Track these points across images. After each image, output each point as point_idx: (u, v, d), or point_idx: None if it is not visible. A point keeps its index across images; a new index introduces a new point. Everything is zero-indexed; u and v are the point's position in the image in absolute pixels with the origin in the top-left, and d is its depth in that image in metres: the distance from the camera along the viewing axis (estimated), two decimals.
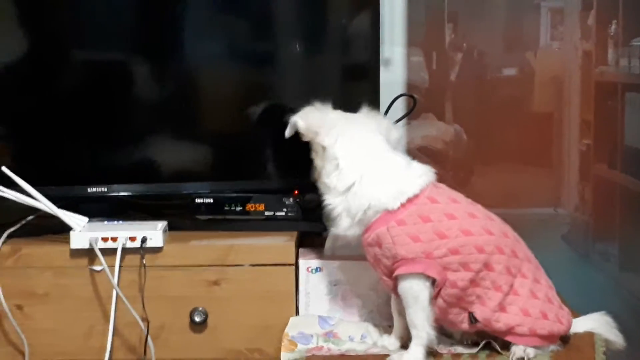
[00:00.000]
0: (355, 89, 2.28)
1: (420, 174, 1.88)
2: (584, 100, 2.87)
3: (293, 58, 2.28)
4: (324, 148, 1.88)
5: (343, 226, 1.89)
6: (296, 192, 2.22)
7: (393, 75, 2.68)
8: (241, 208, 2.21)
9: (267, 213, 2.24)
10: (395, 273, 1.85)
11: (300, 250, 2.18)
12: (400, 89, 2.67)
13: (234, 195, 2.22)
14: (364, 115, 1.95)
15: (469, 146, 2.79)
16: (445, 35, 2.85)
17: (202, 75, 2.31)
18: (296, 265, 2.12)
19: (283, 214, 2.23)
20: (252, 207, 2.22)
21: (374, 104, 2.13)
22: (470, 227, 1.84)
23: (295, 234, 2.20)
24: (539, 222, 2.82)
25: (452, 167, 2.78)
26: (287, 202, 2.22)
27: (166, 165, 2.28)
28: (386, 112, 2.31)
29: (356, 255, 2.05)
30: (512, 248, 1.88)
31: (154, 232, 2.08)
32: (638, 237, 2.77)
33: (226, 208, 2.22)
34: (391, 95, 2.37)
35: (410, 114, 2.37)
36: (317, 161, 1.91)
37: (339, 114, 1.92)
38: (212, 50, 2.27)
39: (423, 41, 2.82)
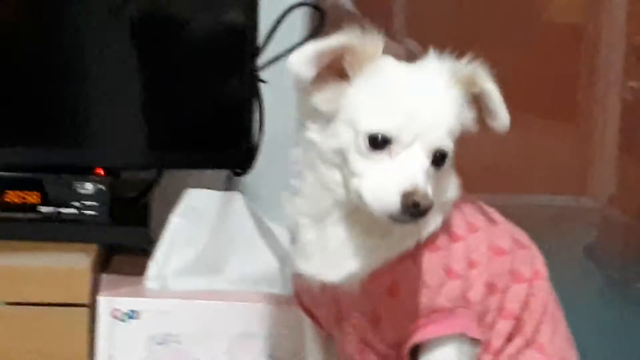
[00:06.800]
0: None
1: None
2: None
3: None
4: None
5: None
6: (99, 170, 1.80)
7: None
8: None
9: (44, 209, 1.81)
10: (421, 337, 1.49)
11: (104, 278, 1.81)
12: None
13: None
14: None
15: None
16: None
17: None
18: (93, 306, 1.75)
19: (74, 211, 1.80)
20: (15, 197, 1.81)
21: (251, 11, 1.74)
22: (500, 240, 1.53)
23: (95, 248, 1.81)
24: (546, 220, 2.39)
25: None
26: (81, 190, 1.79)
27: None
28: (272, 29, 1.81)
29: (209, 291, 1.75)
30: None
31: None
32: None
33: None
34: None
35: (318, 34, 1.80)
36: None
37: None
38: None
39: None
